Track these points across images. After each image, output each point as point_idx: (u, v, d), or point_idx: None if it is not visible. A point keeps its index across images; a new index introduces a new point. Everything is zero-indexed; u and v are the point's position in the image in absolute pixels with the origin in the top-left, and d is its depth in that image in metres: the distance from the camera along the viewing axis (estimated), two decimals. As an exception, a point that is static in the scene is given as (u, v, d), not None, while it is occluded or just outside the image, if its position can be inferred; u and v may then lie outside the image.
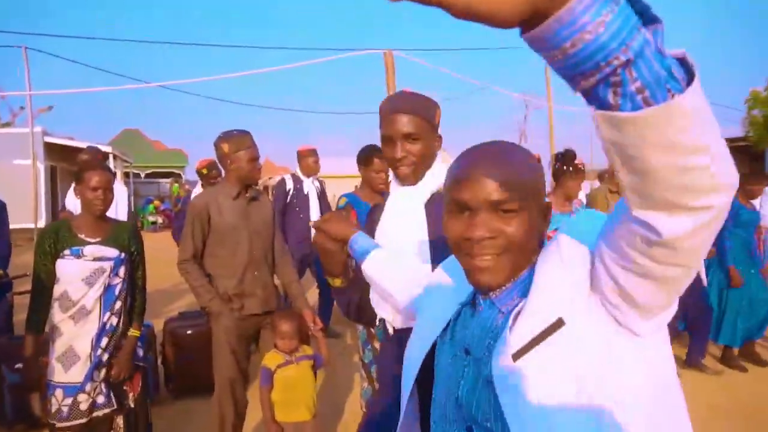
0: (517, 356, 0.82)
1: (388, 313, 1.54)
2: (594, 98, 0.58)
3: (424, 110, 1.59)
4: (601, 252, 0.77)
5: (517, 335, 0.84)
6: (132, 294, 2.73)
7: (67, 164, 17.30)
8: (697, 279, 4.59)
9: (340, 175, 17.20)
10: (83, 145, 18.97)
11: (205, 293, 2.85)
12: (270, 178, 19.63)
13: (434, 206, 1.58)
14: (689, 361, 4.76)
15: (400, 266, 1.41)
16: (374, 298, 1.56)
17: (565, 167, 3.91)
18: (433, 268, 1.30)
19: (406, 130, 1.56)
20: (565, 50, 0.53)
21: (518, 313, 0.87)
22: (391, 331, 1.62)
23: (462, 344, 0.98)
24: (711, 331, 4.80)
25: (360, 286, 1.55)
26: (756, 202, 5.06)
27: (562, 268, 0.85)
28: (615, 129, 0.57)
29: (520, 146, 1.03)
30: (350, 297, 1.59)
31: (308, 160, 5.42)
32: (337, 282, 1.53)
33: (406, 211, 1.62)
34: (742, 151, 18.78)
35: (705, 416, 3.81)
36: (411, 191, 1.62)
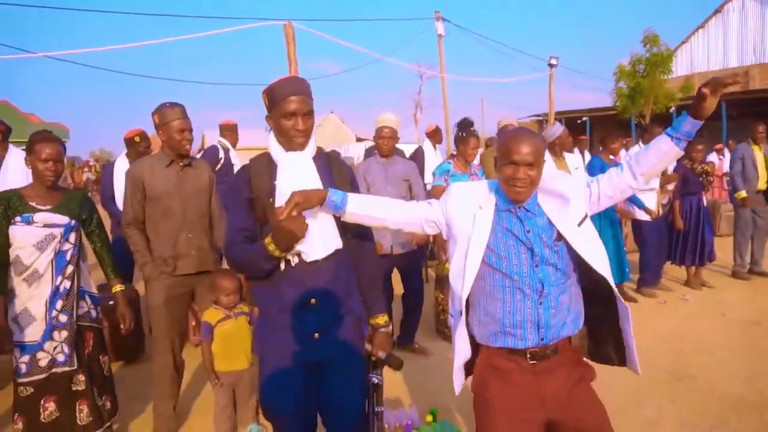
0: (579, 224, 1.88)
1: (306, 246, 1.95)
2: (681, 144, 1.79)
3: (310, 92, 2.02)
4: (600, 189, 1.91)
5: (563, 217, 1.87)
6: (96, 255, 2.96)
7: None
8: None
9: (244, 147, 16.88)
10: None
11: (140, 257, 3.06)
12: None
13: (318, 161, 2.06)
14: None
15: (373, 199, 2.03)
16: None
17: (463, 134, 4.44)
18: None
19: (306, 108, 1.97)
20: (689, 136, 1.79)
21: (555, 209, 1.89)
22: (295, 261, 1.97)
23: (521, 233, 1.86)
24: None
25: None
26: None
27: (564, 190, 1.89)
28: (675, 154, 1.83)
29: (535, 132, 1.94)
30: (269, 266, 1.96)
31: (234, 133, 5.62)
32: (278, 253, 1.89)
33: (300, 169, 2.01)
34: (611, 119, 20.79)
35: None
36: (300, 154, 2.01)
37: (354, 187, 2.17)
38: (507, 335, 1.84)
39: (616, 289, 1.90)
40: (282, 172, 2.00)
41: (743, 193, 6.51)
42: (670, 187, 5.97)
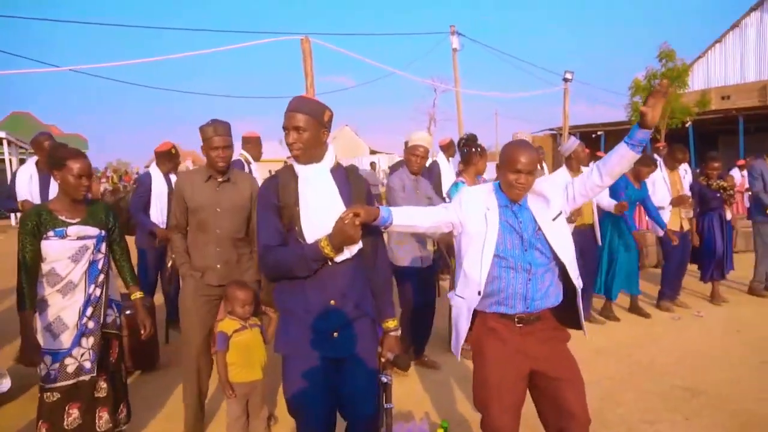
0: (554, 220, 2.31)
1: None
2: (636, 149, 2.18)
3: (314, 110, 2.16)
4: (574, 189, 2.34)
5: (543, 212, 2.31)
6: (115, 263, 3.04)
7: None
8: (593, 242, 5.38)
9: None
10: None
11: (179, 259, 3.21)
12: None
13: (337, 174, 2.25)
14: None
15: (407, 210, 2.41)
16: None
17: (473, 149, 4.50)
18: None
19: (294, 123, 2.13)
20: (642, 143, 2.17)
21: (540, 208, 2.33)
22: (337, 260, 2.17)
23: (515, 224, 2.31)
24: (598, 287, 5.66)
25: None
26: (649, 184, 5.84)
27: (549, 190, 2.34)
28: (633, 160, 2.23)
29: (532, 145, 2.44)
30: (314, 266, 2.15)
31: (257, 146, 5.67)
32: (331, 253, 2.11)
33: (320, 180, 2.20)
34: (626, 133, 20.67)
35: (590, 357, 4.58)
36: (318, 167, 2.19)
37: (369, 199, 2.34)
38: (500, 304, 2.33)
39: (572, 273, 2.33)
40: (304, 182, 2.19)
41: None
42: (684, 213, 5.91)
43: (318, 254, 2.11)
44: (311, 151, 2.17)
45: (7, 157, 17.82)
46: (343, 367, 2.24)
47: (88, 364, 2.74)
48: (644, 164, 5.57)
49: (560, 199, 2.35)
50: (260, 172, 5.27)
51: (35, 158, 4.75)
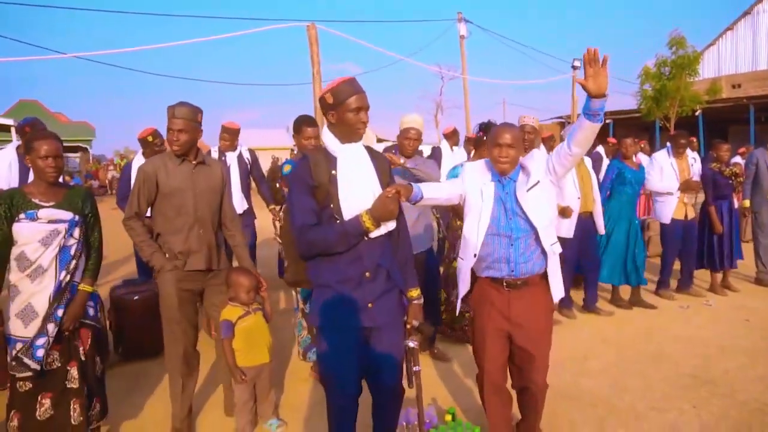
0: (528, 190, 2.56)
1: None
2: (594, 119, 2.31)
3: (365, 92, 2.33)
4: (552, 160, 2.56)
5: (523, 185, 2.57)
6: (87, 253, 2.88)
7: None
8: (593, 230, 5.35)
9: (261, 147, 17.05)
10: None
11: (146, 248, 3.07)
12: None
13: (373, 158, 2.40)
14: (586, 307, 5.55)
15: (430, 185, 2.72)
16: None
17: (486, 138, 4.43)
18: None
19: (367, 104, 2.30)
20: (599, 111, 2.29)
21: (522, 181, 2.59)
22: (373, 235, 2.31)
23: (502, 195, 2.60)
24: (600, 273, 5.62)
25: None
26: (657, 171, 5.84)
27: (534, 163, 2.60)
28: (593, 129, 2.36)
29: (514, 125, 2.68)
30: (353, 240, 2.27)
31: (235, 136, 5.58)
32: (372, 227, 2.24)
33: (358, 158, 2.34)
34: (634, 122, 20.53)
35: (597, 345, 4.57)
36: (356, 145, 2.32)
37: (390, 175, 2.49)
38: (489, 268, 2.66)
39: (544, 238, 2.58)
40: (343, 161, 2.29)
41: (747, 203, 6.58)
42: (687, 199, 5.87)
43: (359, 228, 2.22)
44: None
45: (15, 144, 17.86)
46: (373, 335, 2.37)
47: (54, 352, 2.68)
48: (624, 143, 5.70)
49: (540, 171, 2.59)
50: (263, 159, 5.25)
51: (16, 143, 4.63)
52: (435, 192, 2.70)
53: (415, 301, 2.51)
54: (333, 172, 2.27)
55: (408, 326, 2.48)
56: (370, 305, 2.31)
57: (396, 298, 2.44)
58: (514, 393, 2.88)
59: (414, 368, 2.42)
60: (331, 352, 2.34)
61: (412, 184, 2.53)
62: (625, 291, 5.85)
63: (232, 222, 3.32)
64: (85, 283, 2.85)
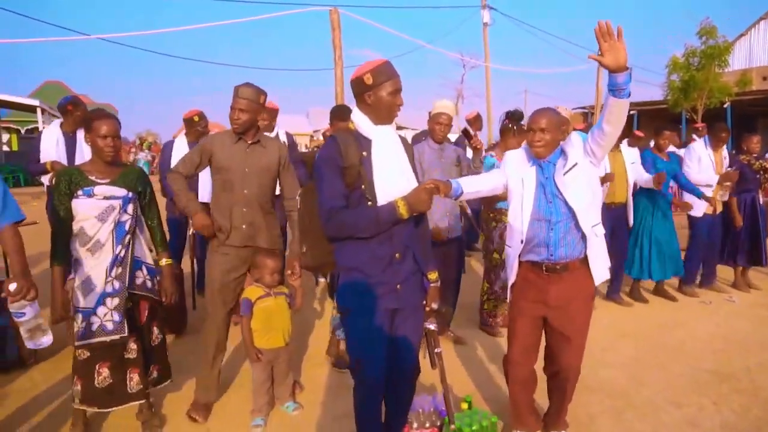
0: (566, 173, 2.57)
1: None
2: (619, 95, 2.24)
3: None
4: (589, 141, 2.53)
5: (561, 168, 2.58)
6: (149, 229, 3.08)
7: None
8: (624, 225, 5.27)
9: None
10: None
11: (183, 196, 3.16)
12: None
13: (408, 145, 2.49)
14: (609, 295, 5.51)
15: (470, 179, 2.76)
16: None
17: (511, 125, 4.37)
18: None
19: (401, 87, 2.33)
20: (624, 85, 2.22)
21: (561, 165, 2.59)
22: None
23: (542, 179, 2.64)
24: (627, 267, 5.55)
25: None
26: (695, 162, 5.72)
27: (573, 146, 2.59)
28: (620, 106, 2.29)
29: (552, 108, 2.65)
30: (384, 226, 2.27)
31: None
32: (405, 214, 2.22)
33: (391, 140, 2.34)
34: (661, 113, 20.12)
35: (617, 339, 4.52)
36: (389, 127, 2.34)
37: (413, 161, 2.48)
38: (530, 252, 2.69)
39: (582, 221, 2.57)
40: (378, 142, 2.29)
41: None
42: (720, 196, 5.75)
43: (393, 216, 2.22)
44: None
45: (41, 125, 18.20)
46: (397, 316, 2.39)
47: (110, 325, 2.77)
48: (660, 134, 5.58)
49: (578, 153, 2.58)
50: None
51: (59, 121, 4.75)
52: (477, 185, 2.75)
53: (434, 284, 2.52)
54: (364, 153, 2.26)
55: (427, 308, 2.50)
56: (398, 287, 2.32)
57: (420, 279, 2.46)
58: (542, 380, 2.89)
59: (436, 350, 2.45)
60: (362, 335, 2.34)
61: (451, 180, 2.58)
62: (645, 283, 5.78)
63: (288, 200, 3.38)
64: (164, 257, 3.10)
